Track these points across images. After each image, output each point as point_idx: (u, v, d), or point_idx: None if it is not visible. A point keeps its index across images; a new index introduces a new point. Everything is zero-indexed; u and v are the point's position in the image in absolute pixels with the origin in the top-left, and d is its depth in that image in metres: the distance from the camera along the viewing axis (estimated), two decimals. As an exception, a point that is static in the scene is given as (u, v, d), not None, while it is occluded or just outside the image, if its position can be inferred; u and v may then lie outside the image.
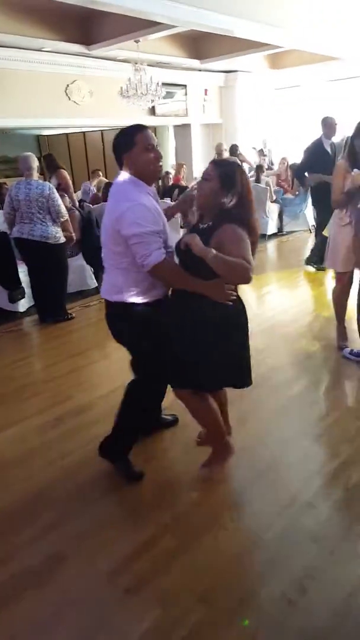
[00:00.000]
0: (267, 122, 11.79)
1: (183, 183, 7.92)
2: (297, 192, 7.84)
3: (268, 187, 7.48)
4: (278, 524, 1.99)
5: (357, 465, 2.31)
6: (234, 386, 2.23)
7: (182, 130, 11.03)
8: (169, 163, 12.16)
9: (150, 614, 1.64)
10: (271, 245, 7.37)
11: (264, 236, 7.52)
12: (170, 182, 7.54)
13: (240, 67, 10.35)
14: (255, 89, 11.38)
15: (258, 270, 5.93)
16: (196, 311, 1.98)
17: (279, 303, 4.90)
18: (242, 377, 2.16)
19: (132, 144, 1.96)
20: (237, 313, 2.05)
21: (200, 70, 10.20)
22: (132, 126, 1.99)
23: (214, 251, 1.79)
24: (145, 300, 2.06)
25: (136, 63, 7.47)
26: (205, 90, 10.92)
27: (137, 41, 7.20)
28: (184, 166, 8.43)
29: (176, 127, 11.10)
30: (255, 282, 5.64)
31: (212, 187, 1.91)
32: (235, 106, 11.23)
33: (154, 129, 11.74)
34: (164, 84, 8.11)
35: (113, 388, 3.18)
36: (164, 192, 7.36)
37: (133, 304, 2.06)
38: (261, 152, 9.92)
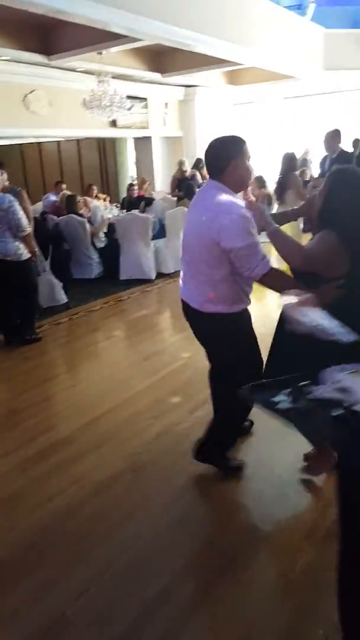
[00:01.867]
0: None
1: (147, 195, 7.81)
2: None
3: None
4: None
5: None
6: None
7: (143, 143, 10.95)
8: (128, 175, 12.05)
9: None
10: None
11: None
12: (136, 194, 7.39)
13: (200, 82, 10.44)
14: (213, 104, 11.53)
15: None
16: None
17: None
18: None
19: (240, 152, 2.02)
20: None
21: (161, 84, 10.19)
22: (237, 136, 2.07)
23: (276, 226, 1.93)
24: (234, 311, 2.10)
25: (100, 74, 7.32)
26: (166, 103, 10.93)
27: (99, 53, 7.06)
28: (147, 183, 8.31)
29: (136, 139, 11.01)
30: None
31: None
32: (195, 120, 11.33)
33: (114, 141, 11.69)
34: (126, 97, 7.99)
35: (94, 416, 3.00)
36: (130, 204, 7.21)
37: (226, 314, 2.09)
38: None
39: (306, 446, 2.34)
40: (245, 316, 2.20)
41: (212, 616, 1.68)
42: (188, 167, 7.53)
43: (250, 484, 2.34)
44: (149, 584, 1.80)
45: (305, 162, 9.39)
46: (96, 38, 6.42)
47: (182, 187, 6.77)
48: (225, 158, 2.01)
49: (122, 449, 2.65)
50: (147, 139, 10.76)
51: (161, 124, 10.88)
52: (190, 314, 2.23)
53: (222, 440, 2.37)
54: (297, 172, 5.75)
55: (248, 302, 2.17)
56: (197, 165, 8.89)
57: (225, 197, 1.98)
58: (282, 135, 12.09)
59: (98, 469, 2.50)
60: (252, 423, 2.68)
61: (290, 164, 5.19)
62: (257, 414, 2.45)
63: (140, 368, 3.66)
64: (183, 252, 2.18)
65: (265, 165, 10.45)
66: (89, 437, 2.79)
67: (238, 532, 2.04)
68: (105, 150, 11.88)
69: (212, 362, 2.34)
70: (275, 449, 2.53)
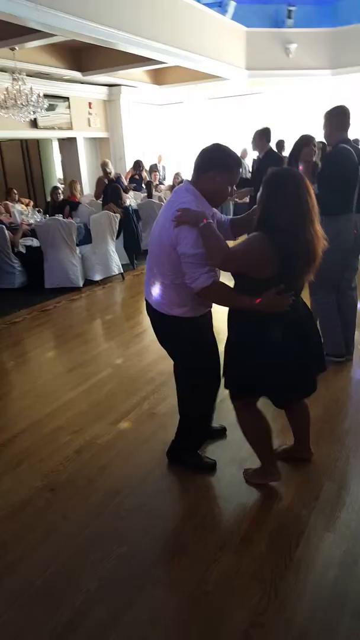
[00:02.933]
0: (156, 138, 11.93)
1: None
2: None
3: (162, 203, 7.47)
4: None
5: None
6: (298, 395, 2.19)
7: (68, 144, 10.67)
8: (55, 178, 11.70)
9: None
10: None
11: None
12: (60, 198, 7.16)
13: (123, 81, 10.32)
14: (139, 104, 11.44)
15: None
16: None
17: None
18: (300, 382, 2.09)
19: (226, 169, 1.97)
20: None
21: (82, 83, 9.97)
22: (235, 157, 1.99)
23: (205, 223, 1.86)
24: (190, 316, 2.09)
25: (14, 72, 7.02)
26: (90, 103, 10.71)
27: (12, 49, 6.77)
28: (77, 183, 8.05)
29: (61, 140, 10.71)
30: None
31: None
32: (121, 120, 11.18)
33: (37, 142, 11.29)
34: (46, 96, 7.72)
35: (10, 435, 2.85)
36: (54, 208, 6.98)
37: (184, 318, 2.09)
38: (154, 167, 9.96)
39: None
40: (201, 322, 2.17)
41: (126, 637, 1.62)
42: (112, 169, 7.38)
43: (169, 498, 2.30)
44: (62, 605, 1.73)
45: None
46: (7, 32, 6.15)
47: (107, 190, 6.62)
48: (209, 164, 1.97)
49: (39, 468, 2.53)
50: (72, 140, 10.51)
51: (86, 125, 10.65)
52: (151, 313, 2.22)
53: (187, 439, 2.41)
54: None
55: (206, 308, 2.15)
56: (136, 167, 8.88)
57: (192, 201, 1.94)
58: (210, 137, 12.25)
59: (12, 491, 2.37)
60: (224, 428, 2.66)
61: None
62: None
63: (63, 381, 3.53)
64: (148, 252, 2.14)
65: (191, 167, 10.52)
66: (3, 458, 2.64)
67: (154, 547, 1.99)
68: (29, 152, 11.46)
69: (173, 360, 2.34)
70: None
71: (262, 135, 4.96)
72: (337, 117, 3.11)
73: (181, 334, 2.14)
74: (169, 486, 2.33)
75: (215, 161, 1.97)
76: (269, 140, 5.01)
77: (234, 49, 9.52)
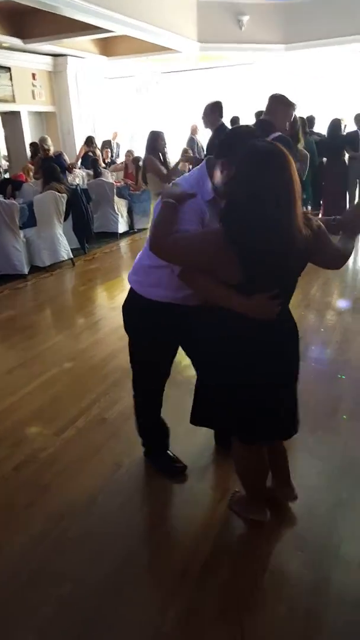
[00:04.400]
0: (107, 112, 11.35)
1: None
2: (142, 188, 7.56)
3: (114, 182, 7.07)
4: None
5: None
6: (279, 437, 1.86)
7: (11, 118, 9.92)
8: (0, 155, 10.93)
9: None
10: (124, 245, 6.97)
11: (115, 235, 7.14)
12: (2, 177, 6.60)
13: (70, 51, 9.67)
14: (88, 76, 10.79)
15: (112, 274, 5.69)
16: (203, 330, 1.71)
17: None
18: (281, 424, 1.77)
19: (240, 167, 1.51)
20: (259, 330, 1.57)
21: (24, 51, 9.23)
22: (261, 158, 1.48)
23: (171, 201, 1.57)
24: (153, 298, 1.85)
25: None
26: (34, 74, 9.98)
27: None
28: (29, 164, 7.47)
29: (3, 114, 9.95)
30: (110, 287, 5.26)
31: None
32: (69, 93, 10.51)
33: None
34: (-18, 65, 7.05)
35: None
36: (-5, 188, 6.42)
37: (144, 298, 1.88)
38: (107, 144, 9.45)
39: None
40: (167, 313, 1.84)
41: None
42: (51, 145, 6.83)
43: (121, 522, 2.04)
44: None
45: (192, 141, 9.16)
46: None
47: (43, 168, 6.10)
48: (225, 154, 1.60)
49: (-28, 491, 2.20)
50: (16, 114, 9.79)
51: (30, 97, 9.94)
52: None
53: (144, 436, 2.27)
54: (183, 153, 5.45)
55: (179, 296, 1.79)
56: (89, 142, 8.37)
57: (189, 179, 1.72)
58: (162, 112, 11.79)
59: None
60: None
61: (153, 143, 4.82)
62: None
63: (2, 383, 3.17)
64: None
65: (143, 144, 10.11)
66: None
67: (103, 583, 1.73)
68: (-31, 126, 10.60)
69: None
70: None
71: (214, 109, 4.58)
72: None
73: (134, 311, 1.98)
74: (120, 506, 2.06)
75: (233, 156, 1.55)
76: (221, 115, 4.64)
77: (184, 19, 9.08)
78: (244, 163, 1.43)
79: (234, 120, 7.50)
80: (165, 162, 4.79)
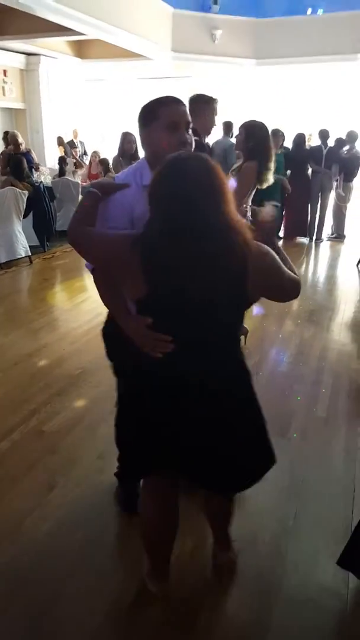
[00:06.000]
0: (78, 114, 11.17)
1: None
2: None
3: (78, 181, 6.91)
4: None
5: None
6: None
7: (-21, 113, 9.62)
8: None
9: None
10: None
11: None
12: None
13: (44, 50, 9.48)
14: (61, 77, 10.61)
15: (71, 274, 5.48)
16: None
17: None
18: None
19: (153, 116, 1.42)
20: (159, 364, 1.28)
21: (-5, 47, 8.98)
22: (156, 99, 1.45)
23: (93, 190, 1.41)
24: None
25: None
26: (5, 71, 9.72)
27: None
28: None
29: (-29, 108, 9.64)
30: (68, 287, 5.05)
31: None
32: (40, 92, 10.29)
33: None
34: None
35: None
36: None
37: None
38: (72, 144, 9.26)
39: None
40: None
41: None
42: (22, 141, 6.65)
43: (45, 553, 1.84)
44: None
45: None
46: None
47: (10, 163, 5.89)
48: (139, 126, 1.48)
49: None
50: (-17, 108, 9.48)
51: (0, 94, 9.66)
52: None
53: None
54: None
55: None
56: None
57: (125, 172, 1.56)
58: (134, 117, 11.71)
59: None
60: None
61: (121, 145, 4.77)
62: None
63: None
64: None
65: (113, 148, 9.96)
66: None
67: (17, 629, 1.53)
68: None
69: None
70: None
71: None
72: None
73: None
74: (49, 533, 1.86)
75: (138, 121, 1.47)
76: None
77: (159, 28, 9.08)
78: (156, 173, 1.24)
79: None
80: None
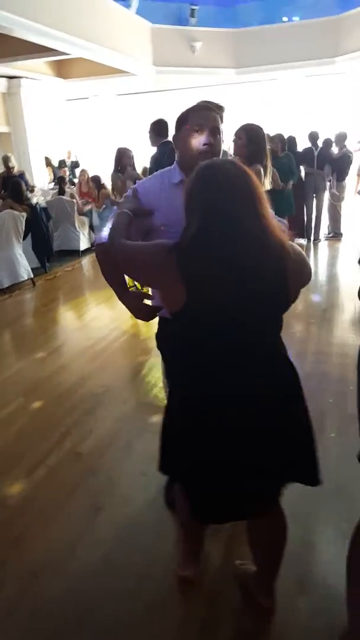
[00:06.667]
0: (65, 133, 11.25)
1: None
2: (103, 206, 7.43)
3: (75, 200, 6.91)
4: None
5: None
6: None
7: (-36, 138, 9.61)
8: None
9: None
10: (86, 262, 6.75)
11: (77, 252, 6.92)
12: None
13: (25, 73, 9.51)
14: (43, 98, 10.68)
15: (76, 293, 5.45)
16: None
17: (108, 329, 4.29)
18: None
19: (183, 122, 1.53)
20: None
21: (-24, 72, 9.00)
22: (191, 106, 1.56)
23: (126, 210, 1.47)
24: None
25: None
26: (-14, 95, 9.75)
27: None
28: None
29: None
30: (75, 307, 5.01)
31: None
32: (23, 114, 10.32)
33: None
34: None
35: None
36: None
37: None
38: (62, 164, 9.30)
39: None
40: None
41: None
42: (15, 163, 6.65)
43: (103, 574, 1.79)
44: None
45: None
46: None
47: (8, 185, 5.89)
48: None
49: None
50: (-32, 134, 9.48)
51: (-17, 118, 9.68)
52: None
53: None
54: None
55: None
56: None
57: (152, 176, 1.72)
58: (118, 133, 11.76)
59: None
60: None
61: (118, 161, 4.74)
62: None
63: None
64: None
65: (103, 165, 10.02)
66: None
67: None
68: None
69: None
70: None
71: (154, 129, 4.25)
72: None
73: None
74: (104, 558, 1.81)
75: (175, 123, 1.57)
76: (161, 135, 4.25)
77: (140, 44, 9.18)
78: (189, 182, 1.24)
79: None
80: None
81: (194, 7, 9.89)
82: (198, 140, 1.46)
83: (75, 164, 10.25)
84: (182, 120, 1.52)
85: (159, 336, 1.78)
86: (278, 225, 1.24)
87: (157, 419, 2.10)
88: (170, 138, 4.46)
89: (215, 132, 1.48)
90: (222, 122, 1.57)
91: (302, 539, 1.79)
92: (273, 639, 1.50)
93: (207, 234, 1.16)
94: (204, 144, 1.46)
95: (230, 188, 1.17)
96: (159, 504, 2.00)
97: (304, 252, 1.30)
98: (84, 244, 7.07)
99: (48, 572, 1.75)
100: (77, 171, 10.02)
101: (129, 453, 2.42)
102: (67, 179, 9.40)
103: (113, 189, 4.89)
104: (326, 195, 6.79)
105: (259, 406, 1.23)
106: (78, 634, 1.53)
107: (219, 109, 3.05)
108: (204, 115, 1.49)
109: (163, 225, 1.52)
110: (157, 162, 4.13)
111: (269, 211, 1.22)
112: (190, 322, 1.22)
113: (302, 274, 1.28)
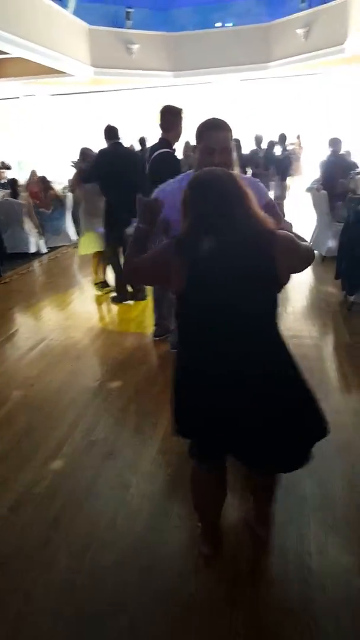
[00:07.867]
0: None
1: None
2: (52, 207, 7.36)
3: (27, 202, 6.79)
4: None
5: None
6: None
7: None
8: None
9: None
10: (37, 265, 6.63)
11: (27, 255, 6.76)
12: None
13: None
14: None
15: (43, 295, 5.34)
16: None
17: (64, 331, 4.31)
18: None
19: (200, 139, 1.81)
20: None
21: None
22: (207, 121, 1.82)
23: (141, 226, 1.63)
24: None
25: None
26: None
27: None
28: None
29: None
30: (48, 308, 4.92)
31: None
32: None
33: None
34: None
35: None
36: None
37: None
38: (2, 165, 9.03)
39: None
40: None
41: None
42: None
43: (152, 542, 1.93)
44: None
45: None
46: None
47: None
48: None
49: None
50: None
51: None
52: None
53: None
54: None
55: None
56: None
57: (170, 184, 1.95)
58: (53, 134, 11.63)
59: None
60: None
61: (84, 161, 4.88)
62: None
63: None
64: None
65: (49, 165, 9.86)
66: None
67: (160, 604, 1.62)
68: None
69: None
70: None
71: (106, 135, 4.45)
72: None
73: None
74: (147, 526, 1.95)
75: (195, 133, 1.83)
76: (110, 138, 4.45)
77: (77, 45, 9.16)
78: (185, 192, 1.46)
79: (142, 140, 7.74)
80: None
81: (129, 9, 10.01)
82: (209, 161, 1.71)
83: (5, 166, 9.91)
84: (199, 135, 1.82)
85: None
86: (265, 215, 1.45)
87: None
88: (120, 140, 4.60)
89: (224, 152, 1.76)
90: (232, 139, 1.82)
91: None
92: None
93: (204, 223, 1.38)
94: (214, 165, 1.66)
95: (221, 186, 1.40)
96: (184, 479, 2.15)
97: (294, 237, 1.47)
98: (33, 247, 6.90)
99: (95, 545, 1.85)
100: (8, 173, 9.76)
101: (141, 435, 2.55)
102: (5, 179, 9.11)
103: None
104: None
105: (253, 372, 1.41)
106: (140, 597, 1.65)
107: (180, 112, 3.42)
108: (213, 138, 1.77)
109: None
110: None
111: (256, 204, 1.44)
112: (191, 299, 1.41)
113: (291, 254, 1.43)
